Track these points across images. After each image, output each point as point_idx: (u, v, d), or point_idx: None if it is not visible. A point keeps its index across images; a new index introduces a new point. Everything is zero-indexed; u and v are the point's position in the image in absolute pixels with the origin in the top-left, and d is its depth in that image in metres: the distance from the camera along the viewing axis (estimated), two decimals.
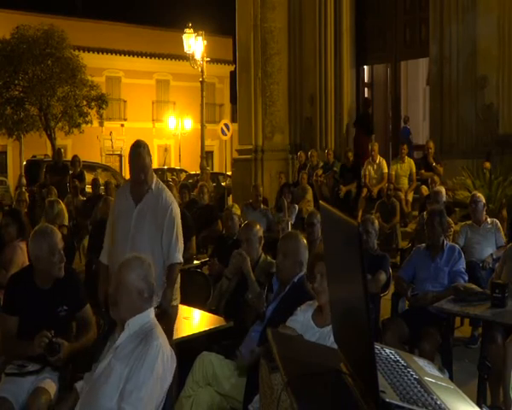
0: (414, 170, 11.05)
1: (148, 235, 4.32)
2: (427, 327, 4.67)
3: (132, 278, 2.97)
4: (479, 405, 2.25)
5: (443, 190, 8.26)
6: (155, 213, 4.39)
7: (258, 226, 4.98)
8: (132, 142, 4.58)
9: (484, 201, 6.87)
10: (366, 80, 14.47)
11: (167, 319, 4.04)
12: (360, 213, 10.53)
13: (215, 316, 4.42)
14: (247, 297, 4.31)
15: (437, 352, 4.71)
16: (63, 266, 3.73)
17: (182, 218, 6.07)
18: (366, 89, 14.42)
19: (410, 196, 10.68)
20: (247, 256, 4.59)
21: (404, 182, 10.94)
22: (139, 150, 4.42)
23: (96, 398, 2.89)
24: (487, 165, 9.81)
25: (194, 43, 18.75)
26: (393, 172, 11.10)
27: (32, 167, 17.69)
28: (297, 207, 9.90)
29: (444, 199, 8.03)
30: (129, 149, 4.49)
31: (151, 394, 2.85)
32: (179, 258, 4.37)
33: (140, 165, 4.41)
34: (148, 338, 2.92)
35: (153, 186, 4.45)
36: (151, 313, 3.06)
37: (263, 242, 5.00)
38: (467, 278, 5.01)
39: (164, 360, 2.91)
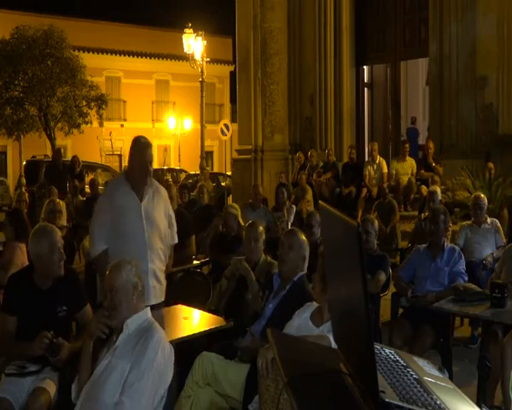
0: (415, 170, 11.06)
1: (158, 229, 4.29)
2: (423, 325, 4.70)
3: (126, 275, 3.09)
4: (479, 405, 2.25)
5: (438, 189, 8.25)
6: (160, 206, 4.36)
7: (261, 228, 5.01)
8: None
9: (486, 203, 6.86)
10: (366, 80, 14.46)
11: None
12: (360, 214, 10.52)
13: (215, 316, 4.41)
14: (247, 297, 4.35)
15: (436, 351, 4.72)
16: (63, 264, 3.73)
17: (181, 218, 6.04)
18: (366, 89, 14.41)
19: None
20: (242, 259, 4.63)
21: (404, 180, 10.93)
22: (147, 141, 4.30)
23: (98, 395, 2.91)
24: (491, 165, 9.75)
25: (194, 43, 18.77)
26: (394, 171, 11.09)
27: (32, 168, 17.68)
28: (294, 207, 9.90)
29: (439, 198, 8.03)
30: (131, 144, 4.28)
31: (151, 385, 2.91)
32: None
33: (151, 156, 4.27)
34: (148, 333, 3.01)
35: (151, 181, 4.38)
36: (148, 312, 3.16)
37: (263, 246, 5.04)
38: (467, 278, 5.01)
39: (164, 353, 3.00)
